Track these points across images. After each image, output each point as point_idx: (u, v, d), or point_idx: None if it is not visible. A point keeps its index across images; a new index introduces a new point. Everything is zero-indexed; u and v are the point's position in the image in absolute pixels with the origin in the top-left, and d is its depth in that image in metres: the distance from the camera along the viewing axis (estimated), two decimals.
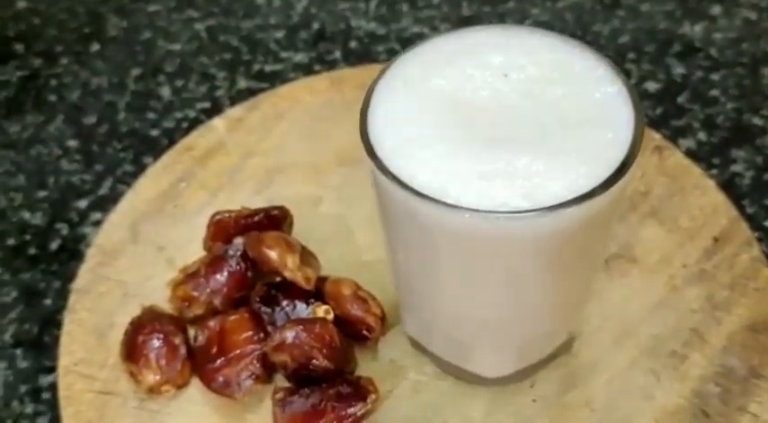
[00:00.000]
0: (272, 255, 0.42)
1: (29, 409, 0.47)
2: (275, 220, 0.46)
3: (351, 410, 0.40)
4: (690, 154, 0.54)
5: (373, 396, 0.40)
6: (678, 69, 0.61)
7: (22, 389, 0.47)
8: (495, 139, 0.33)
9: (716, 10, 0.65)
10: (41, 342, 0.49)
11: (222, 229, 0.45)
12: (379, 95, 0.35)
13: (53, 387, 0.47)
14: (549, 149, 0.32)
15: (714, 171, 0.54)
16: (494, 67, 0.35)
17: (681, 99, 0.59)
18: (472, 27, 0.37)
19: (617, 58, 0.62)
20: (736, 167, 0.55)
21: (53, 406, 0.46)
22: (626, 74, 0.57)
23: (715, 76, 0.61)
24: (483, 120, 0.33)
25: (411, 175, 0.32)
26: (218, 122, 0.54)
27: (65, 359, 0.44)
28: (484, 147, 0.32)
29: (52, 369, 0.48)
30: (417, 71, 0.35)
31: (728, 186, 0.53)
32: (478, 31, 0.37)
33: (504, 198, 0.31)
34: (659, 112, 0.58)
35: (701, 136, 0.57)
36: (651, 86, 0.60)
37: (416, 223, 0.33)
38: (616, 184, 0.31)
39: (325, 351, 0.40)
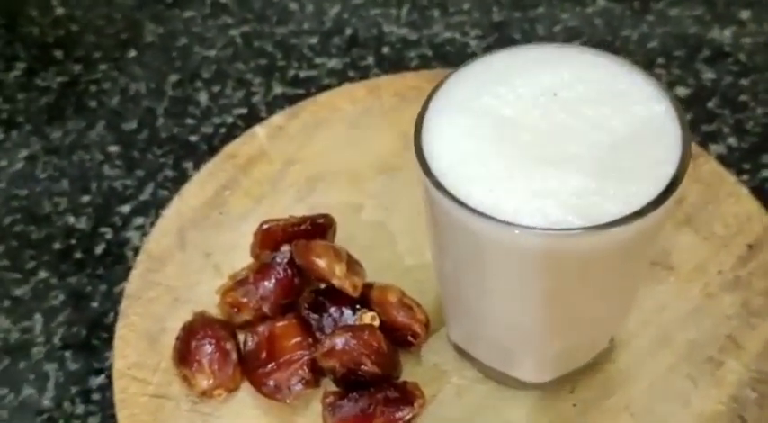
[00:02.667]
0: (321, 263, 0.43)
1: (79, 409, 0.48)
2: (321, 228, 0.47)
3: (399, 414, 0.41)
4: (720, 159, 0.55)
5: (420, 400, 0.41)
6: (708, 74, 0.62)
7: (73, 390, 0.49)
8: (547, 157, 0.34)
9: (745, 14, 0.66)
10: (90, 344, 0.51)
11: (270, 238, 0.47)
12: (432, 114, 0.36)
13: (103, 388, 0.48)
14: (601, 169, 0.33)
15: (745, 176, 0.55)
16: (543, 86, 0.36)
17: (711, 104, 0.60)
18: (522, 46, 0.38)
19: (646, 63, 0.63)
20: (767, 173, 0.56)
21: (103, 407, 0.48)
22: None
23: (744, 82, 0.61)
24: (534, 138, 0.34)
25: (465, 191, 0.33)
26: (259, 130, 0.55)
27: (119, 363, 0.45)
28: (536, 165, 0.33)
29: (101, 371, 0.49)
30: (468, 90, 0.36)
31: (759, 191, 0.53)
32: (528, 49, 0.38)
33: (557, 216, 0.32)
34: (689, 117, 0.59)
35: (732, 141, 0.58)
36: (681, 91, 0.61)
37: (469, 239, 0.34)
38: (667, 200, 0.32)
39: (373, 357, 0.41)
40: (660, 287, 0.47)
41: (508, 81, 0.36)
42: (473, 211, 0.32)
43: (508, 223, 0.32)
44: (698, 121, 0.59)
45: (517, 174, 0.33)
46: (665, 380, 0.43)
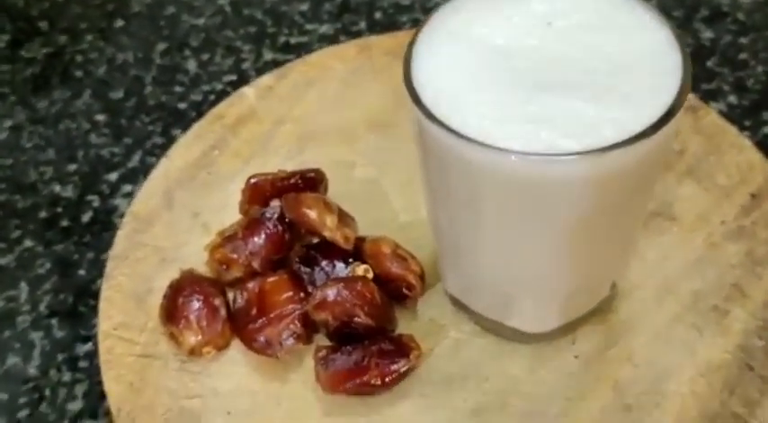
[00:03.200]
0: (312, 215, 0.42)
1: (66, 377, 0.47)
2: (311, 183, 0.46)
3: (394, 367, 0.40)
4: (721, 117, 0.54)
5: (416, 352, 0.40)
6: (706, 34, 0.61)
7: (59, 358, 0.48)
8: (542, 84, 0.32)
9: None
10: (77, 312, 0.49)
11: (259, 192, 0.45)
12: (422, 45, 0.35)
13: (90, 355, 0.47)
14: (597, 94, 0.32)
15: (746, 133, 0.54)
16: (537, 15, 0.35)
17: (710, 63, 0.59)
18: None
19: None
20: None
21: (90, 374, 0.47)
22: None
23: (743, 40, 0.60)
24: (528, 66, 0.33)
25: (458, 121, 0.32)
26: (248, 91, 0.54)
27: (104, 324, 0.44)
28: (530, 92, 0.32)
29: (88, 338, 0.48)
30: (460, 21, 0.35)
31: (761, 147, 0.52)
32: None
33: (552, 141, 0.31)
34: None
35: (732, 99, 0.57)
36: None
37: (463, 170, 0.33)
38: (664, 127, 0.31)
39: (366, 308, 0.40)
40: (663, 238, 0.45)
41: (501, 11, 0.35)
42: (465, 138, 0.31)
43: (502, 149, 0.31)
44: (698, 79, 0.58)
45: (511, 100, 0.32)
46: (668, 330, 0.42)
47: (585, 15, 0.35)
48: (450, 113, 0.32)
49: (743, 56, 0.59)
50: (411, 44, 0.35)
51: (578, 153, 0.30)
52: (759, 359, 0.41)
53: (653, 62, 0.33)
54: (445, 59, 0.34)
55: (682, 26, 0.61)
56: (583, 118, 0.31)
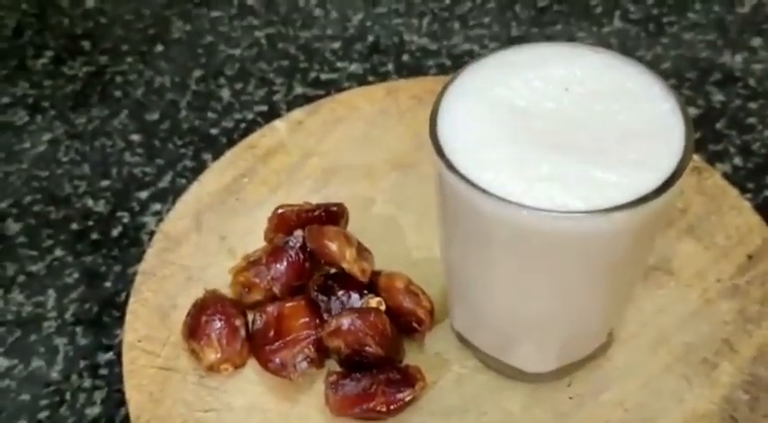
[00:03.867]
0: (333, 247, 0.45)
1: (87, 383, 0.49)
2: (333, 216, 0.49)
3: (399, 396, 0.42)
4: (725, 178, 0.56)
5: (421, 383, 0.43)
6: (717, 96, 0.64)
7: (81, 364, 0.50)
8: (556, 145, 0.35)
9: (756, 41, 0.68)
10: (101, 321, 0.52)
11: (284, 222, 0.48)
12: (448, 101, 0.38)
13: (110, 364, 0.50)
14: (607, 158, 0.35)
15: (748, 195, 0.56)
16: (555, 80, 0.38)
17: (719, 125, 0.62)
18: (537, 43, 0.39)
19: None
20: None
21: (109, 381, 0.49)
22: None
23: (753, 105, 0.63)
24: (544, 128, 0.36)
25: (476, 174, 0.35)
26: (279, 124, 0.57)
27: (129, 336, 0.47)
28: (545, 152, 0.35)
29: (110, 347, 0.51)
30: (483, 81, 0.38)
31: (762, 209, 0.54)
32: (543, 46, 0.39)
33: (563, 200, 0.34)
34: (697, 136, 0.60)
35: (737, 161, 0.59)
36: (691, 112, 0.62)
37: (477, 219, 0.35)
38: (667, 190, 0.34)
39: (377, 338, 0.43)
40: (660, 291, 0.48)
41: (522, 74, 0.38)
42: (482, 190, 0.34)
43: (514, 203, 0.33)
44: (706, 140, 0.60)
45: (526, 159, 0.35)
46: (660, 378, 0.44)
47: (600, 84, 0.38)
48: (469, 166, 0.35)
49: (751, 120, 0.62)
50: (438, 99, 0.38)
51: (585, 212, 0.33)
52: (743, 411, 0.43)
53: (659, 130, 0.36)
54: (468, 116, 0.37)
55: (694, 88, 0.64)
56: (591, 180, 0.34)
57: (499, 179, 0.34)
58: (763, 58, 0.66)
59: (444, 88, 0.38)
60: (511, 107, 0.37)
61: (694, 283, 0.48)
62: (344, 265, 0.45)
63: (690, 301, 0.47)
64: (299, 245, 0.47)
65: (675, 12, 0.70)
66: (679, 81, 0.65)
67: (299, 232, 0.47)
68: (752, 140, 0.61)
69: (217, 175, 0.54)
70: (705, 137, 0.61)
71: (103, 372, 0.50)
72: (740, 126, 0.62)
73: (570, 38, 0.68)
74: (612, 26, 0.69)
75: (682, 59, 0.66)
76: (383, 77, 0.65)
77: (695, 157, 0.54)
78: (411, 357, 0.46)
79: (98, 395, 0.49)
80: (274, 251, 0.47)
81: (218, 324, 0.45)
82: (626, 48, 0.67)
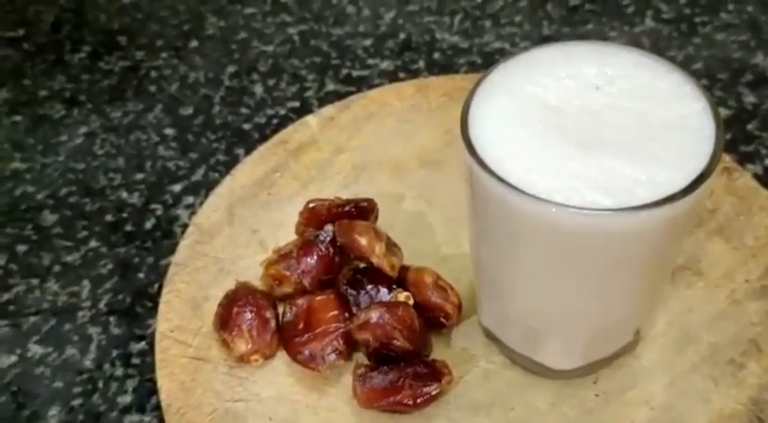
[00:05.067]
0: (362, 241, 0.45)
1: (119, 372, 0.50)
2: (363, 211, 0.49)
3: (426, 389, 0.43)
4: (756, 178, 0.56)
5: (448, 378, 0.43)
6: (749, 98, 0.63)
7: (114, 353, 0.51)
8: (586, 143, 0.36)
9: None
10: (134, 312, 0.53)
11: (315, 216, 0.49)
12: (479, 99, 0.38)
13: (143, 353, 0.51)
14: (636, 157, 0.35)
15: None
16: (587, 78, 0.38)
17: (750, 126, 0.61)
18: (569, 41, 0.40)
19: None
20: None
21: (142, 371, 0.50)
22: None
23: None
24: (575, 126, 0.36)
25: (506, 170, 0.35)
26: (311, 120, 0.58)
27: (162, 325, 0.48)
28: (575, 149, 0.35)
29: (142, 337, 0.51)
30: (516, 78, 0.38)
31: None
32: (575, 44, 0.40)
33: (592, 197, 0.34)
34: (729, 137, 0.60)
35: None
36: (722, 113, 0.62)
37: (506, 214, 0.36)
38: (696, 190, 0.34)
39: (405, 332, 0.43)
40: (689, 291, 0.48)
41: (554, 73, 0.38)
42: (512, 187, 0.34)
43: (544, 200, 0.34)
44: (737, 141, 0.60)
45: (556, 156, 0.35)
46: (686, 378, 0.45)
47: (630, 82, 0.38)
48: (499, 163, 0.35)
49: None
50: (470, 96, 0.38)
51: (613, 209, 0.33)
52: None
53: (689, 130, 0.36)
54: (500, 113, 0.37)
55: (726, 89, 0.64)
56: (621, 178, 0.34)
57: (529, 176, 0.35)
58: None
59: (476, 86, 0.38)
60: (542, 105, 0.37)
61: (722, 284, 0.48)
62: (374, 260, 0.45)
63: (718, 301, 0.47)
64: (329, 239, 0.47)
65: (708, 12, 0.70)
66: (711, 81, 0.64)
67: (329, 227, 0.48)
68: None
69: (249, 169, 0.55)
70: (736, 138, 0.61)
71: (136, 361, 0.51)
72: None
73: (602, 37, 0.68)
74: (644, 26, 0.69)
75: (714, 60, 0.66)
76: (414, 75, 0.66)
77: (726, 157, 0.54)
78: (438, 352, 0.46)
79: (130, 384, 0.50)
80: (305, 245, 0.48)
81: (248, 315, 0.46)
82: (658, 47, 0.67)
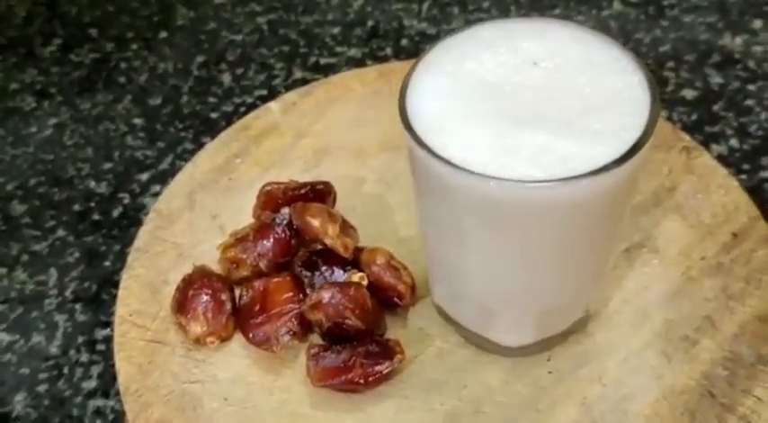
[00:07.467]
0: (315, 223, 0.46)
1: (84, 358, 0.51)
2: (320, 194, 0.49)
3: (377, 368, 0.43)
4: (721, 159, 0.56)
5: (399, 356, 0.43)
6: (716, 79, 0.64)
7: (80, 340, 0.52)
8: (521, 118, 0.36)
9: (757, 24, 0.67)
10: (99, 299, 0.53)
11: (271, 199, 0.49)
12: (417, 76, 0.38)
13: (107, 340, 0.51)
14: (571, 130, 0.35)
15: (743, 176, 0.56)
16: (525, 55, 0.38)
17: (716, 107, 0.62)
18: (509, 18, 0.40)
19: (656, 66, 0.64)
20: (765, 174, 0.57)
21: (106, 357, 0.50)
22: (664, 81, 0.60)
23: (752, 87, 0.63)
24: (510, 101, 0.37)
25: (443, 146, 0.35)
26: (273, 105, 0.58)
27: (121, 310, 0.48)
28: (510, 124, 0.35)
29: (107, 324, 0.52)
30: (454, 55, 0.39)
31: (757, 191, 0.55)
32: (515, 21, 0.40)
33: (526, 170, 0.34)
34: (694, 118, 0.61)
35: (734, 143, 0.59)
36: (688, 94, 0.62)
37: (446, 192, 0.36)
38: (628, 161, 0.34)
39: (357, 312, 0.43)
40: (644, 269, 0.48)
41: (492, 49, 0.39)
42: (449, 163, 0.34)
43: (480, 175, 0.34)
44: (702, 122, 0.60)
45: (492, 131, 0.35)
46: (639, 355, 0.45)
47: (569, 57, 0.38)
48: (436, 140, 0.36)
49: (749, 102, 0.62)
50: (408, 74, 0.38)
51: (545, 181, 0.34)
52: (721, 388, 0.43)
53: (624, 103, 0.36)
54: (436, 91, 0.37)
55: (692, 70, 0.64)
56: (554, 151, 0.34)
57: (465, 151, 0.35)
58: (763, 41, 0.66)
59: (415, 63, 0.39)
60: (479, 81, 0.37)
61: (678, 261, 0.48)
62: (327, 241, 0.46)
63: (673, 278, 0.48)
64: (285, 222, 0.48)
65: None
66: (677, 63, 0.65)
67: (285, 210, 0.48)
68: (749, 123, 0.60)
69: (211, 155, 0.55)
70: (702, 118, 0.61)
71: (101, 347, 0.51)
72: (738, 108, 0.62)
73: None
74: (612, 9, 0.69)
75: (681, 42, 0.66)
76: (382, 61, 0.66)
77: (686, 136, 0.54)
78: (394, 332, 0.46)
79: (95, 369, 0.50)
80: (261, 228, 0.48)
81: (204, 298, 0.46)
82: (625, 30, 0.68)
